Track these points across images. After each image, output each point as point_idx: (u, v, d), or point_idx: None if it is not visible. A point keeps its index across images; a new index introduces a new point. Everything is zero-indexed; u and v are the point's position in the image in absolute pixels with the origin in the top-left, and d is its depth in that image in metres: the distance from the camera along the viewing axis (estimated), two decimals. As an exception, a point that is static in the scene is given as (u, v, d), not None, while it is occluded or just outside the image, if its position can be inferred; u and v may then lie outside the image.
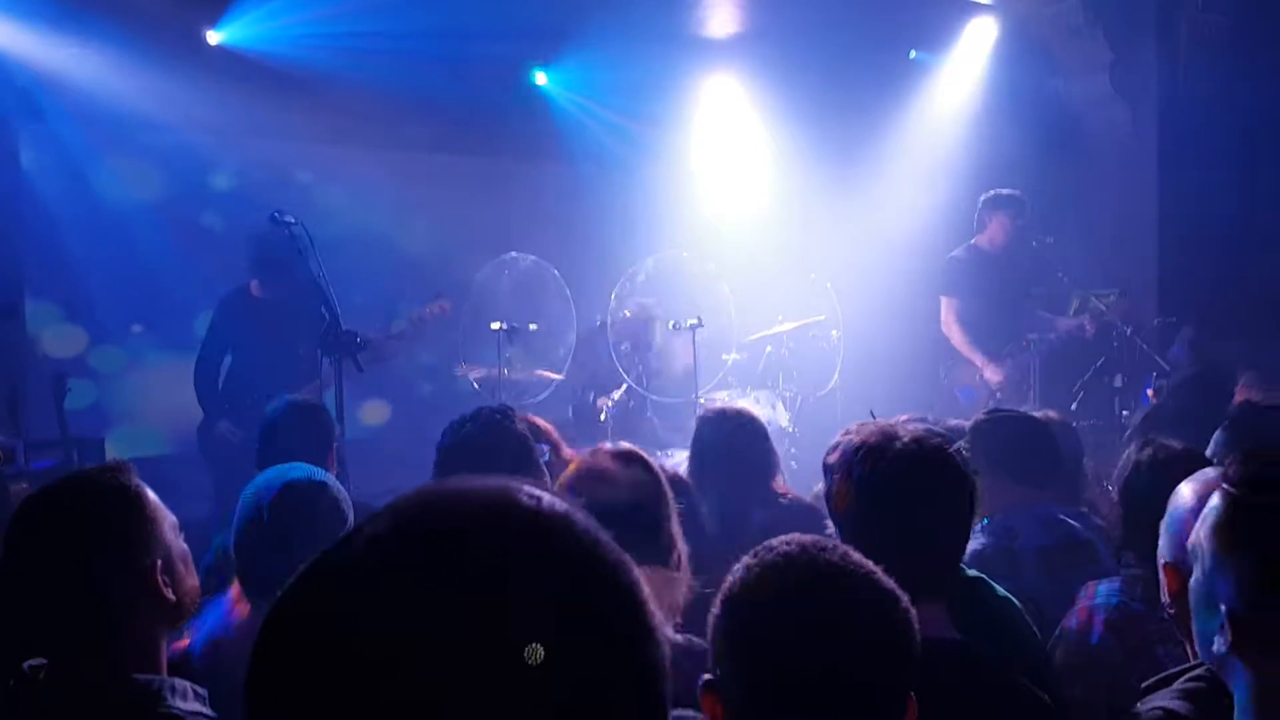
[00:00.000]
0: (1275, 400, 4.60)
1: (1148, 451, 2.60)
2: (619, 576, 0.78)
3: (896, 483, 2.03)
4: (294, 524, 2.43)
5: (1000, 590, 2.52)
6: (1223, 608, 1.50)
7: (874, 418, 2.22)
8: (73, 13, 6.49)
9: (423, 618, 0.71)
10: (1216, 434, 3.29)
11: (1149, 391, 5.23)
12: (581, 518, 0.79)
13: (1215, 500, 1.55)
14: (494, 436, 3.19)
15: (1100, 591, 2.52)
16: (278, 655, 0.74)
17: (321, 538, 2.40)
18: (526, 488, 0.80)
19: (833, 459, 2.15)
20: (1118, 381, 6.10)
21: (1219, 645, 1.50)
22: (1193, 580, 1.60)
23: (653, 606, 0.79)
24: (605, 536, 0.80)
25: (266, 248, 5.57)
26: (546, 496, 0.80)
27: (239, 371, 5.84)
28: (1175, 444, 2.68)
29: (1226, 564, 1.50)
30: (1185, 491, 1.98)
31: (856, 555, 1.55)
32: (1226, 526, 1.52)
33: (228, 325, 5.85)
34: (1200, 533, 1.57)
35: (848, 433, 2.16)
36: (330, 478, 2.61)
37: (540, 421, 3.74)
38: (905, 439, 2.07)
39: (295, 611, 0.75)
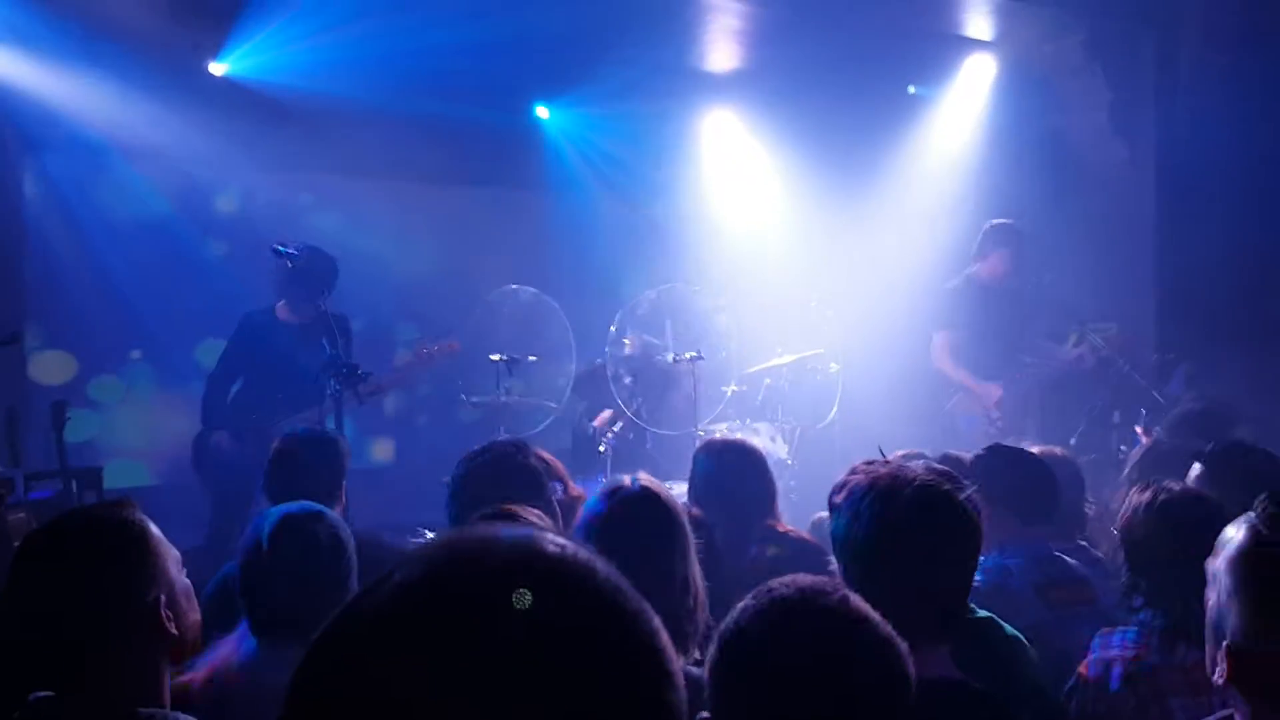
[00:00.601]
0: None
1: (1148, 494, 2.60)
2: (639, 623, 0.81)
3: (904, 527, 2.03)
4: (292, 558, 2.44)
5: (1009, 629, 2.53)
6: (1224, 643, 1.50)
7: (883, 455, 2.22)
8: (74, 43, 6.54)
9: (449, 666, 0.73)
10: (1195, 468, 3.28)
11: (1138, 429, 5.22)
12: (603, 566, 0.83)
13: (1240, 532, 1.56)
14: (507, 471, 3.19)
15: (1115, 642, 2.51)
16: (309, 703, 0.76)
17: (320, 570, 2.42)
18: (551, 536, 0.83)
19: (840, 499, 2.15)
20: (1115, 417, 6.11)
21: (1217, 675, 1.51)
22: (1209, 605, 1.60)
23: (671, 652, 0.83)
24: (626, 584, 0.83)
25: (300, 271, 5.62)
26: (570, 545, 0.83)
27: (248, 391, 5.83)
28: (1175, 485, 2.68)
29: (1235, 597, 1.50)
30: (1236, 536, 1.96)
31: (854, 598, 1.56)
32: (1241, 560, 1.52)
33: (248, 342, 5.86)
34: (1220, 561, 1.57)
35: (855, 472, 2.16)
36: (327, 510, 2.62)
37: (550, 457, 3.73)
38: (915, 483, 2.06)
39: (327, 660, 0.77)
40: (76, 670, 1.83)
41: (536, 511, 2.34)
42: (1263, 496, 1.59)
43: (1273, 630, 1.45)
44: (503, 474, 3.18)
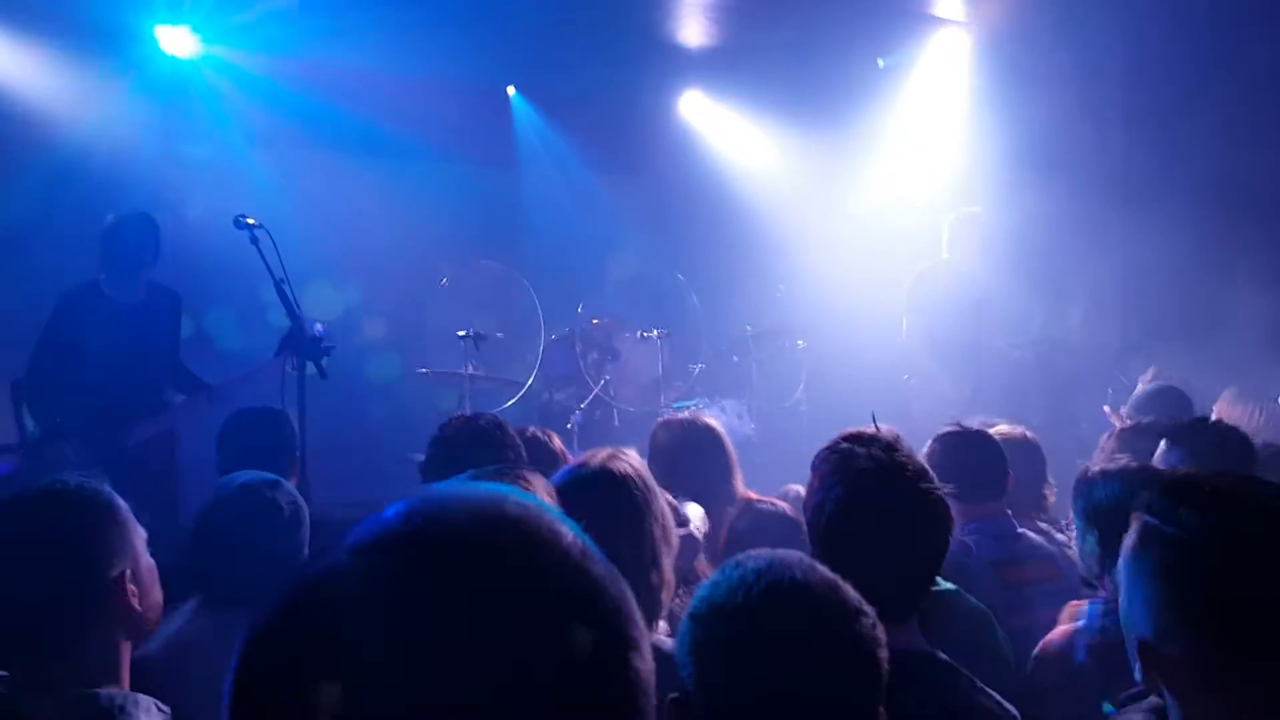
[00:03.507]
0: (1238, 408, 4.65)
1: (1111, 472, 2.61)
2: (607, 587, 0.79)
3: (871, 503, 2.03)
4: (249, 528, 2.43)
5: (973, 601, 2.54)
6: (1134, 637, 1.50)
7: (876, 425, 2.18)
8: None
9: (406, 626, 0.71)
10: (1161, 446, 3.30)
11: (1106, 408, 5.24)
12: (569, 529, 0.80)
13: (1133, 526, 1.55)
14: (486, 445, 3.13)
15: (1083, 613, 2.52)
16: (261, 667, 0.74)
17: (277, 541, 2.38)
18: (515, 497, 0.80)
19: (819, 466, 2.13)
20: (1080, 399, 6.14)
21: (1136, 672, 1.51)
22: (1120, 606, 1.59)
23: (639, 618, 0.80)
24: (594, 549, 0.80)
25: (117, 241, 5.02)
26: (534, 506, 0.80)
27: (83, 385, 4.89)
28: (1131, 461, 2.69)
29: (1136, 592, 1.50)
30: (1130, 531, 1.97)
31: (821, 571, 1.55)
32: (1135, 555, 1.51)
33: (75, 325, 4.96)
34: (1121, 559, 1.56)
35: (840, 440, 2.14)
36: (284, 481, 2.59)
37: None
38: (885, 459, 2.05)
39: (280, 624, 0.75)
40: (38, 646, 1.80)
41: (543, 481, 2.22)
42: (1150, 487, 1.57)
43: (1174, 627, 1.45)
44: (483, 449, 3.08)
